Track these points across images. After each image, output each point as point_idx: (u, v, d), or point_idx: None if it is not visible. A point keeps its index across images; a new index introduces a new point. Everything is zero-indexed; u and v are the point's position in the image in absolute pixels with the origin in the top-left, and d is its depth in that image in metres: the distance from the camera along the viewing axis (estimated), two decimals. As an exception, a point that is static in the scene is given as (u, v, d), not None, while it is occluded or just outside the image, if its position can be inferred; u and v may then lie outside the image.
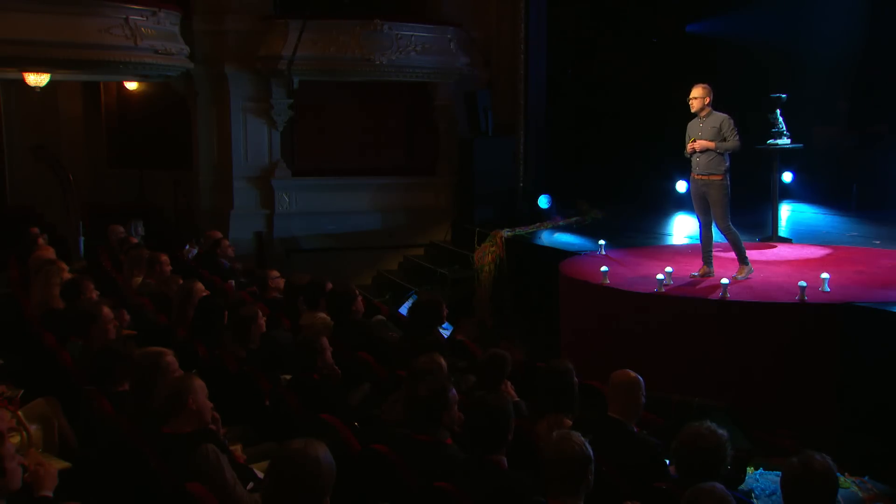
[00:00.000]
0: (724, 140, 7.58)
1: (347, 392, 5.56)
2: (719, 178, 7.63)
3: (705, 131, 7.64)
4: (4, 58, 10.99)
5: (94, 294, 6.82)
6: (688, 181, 12.01)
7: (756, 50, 12.49)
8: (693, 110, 7.70)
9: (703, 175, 7.70)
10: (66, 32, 11.16)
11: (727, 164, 7.66)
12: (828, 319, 6.89)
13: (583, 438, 3.73)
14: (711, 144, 7.58)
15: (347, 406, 5.30)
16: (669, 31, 13.97)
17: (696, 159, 7.74)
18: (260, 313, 6.17)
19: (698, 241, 8.09)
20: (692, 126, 7.78)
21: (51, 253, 8.70)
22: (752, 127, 9.61)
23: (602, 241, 9.50)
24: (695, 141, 7.66)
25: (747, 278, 7.77)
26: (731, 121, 7.63)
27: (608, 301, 7.88)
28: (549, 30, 13.29)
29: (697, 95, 7.66)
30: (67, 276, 7.37)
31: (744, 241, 8.00)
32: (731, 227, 7.78)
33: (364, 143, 13.88)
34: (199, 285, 7.03)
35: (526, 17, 13.07)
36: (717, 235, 8.02)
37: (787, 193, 11.69)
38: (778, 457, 5.47)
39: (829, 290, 7.21)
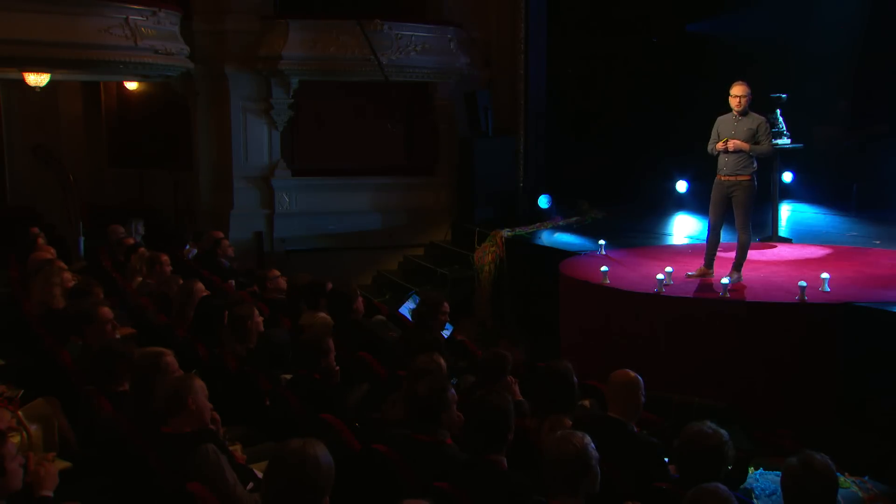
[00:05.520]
0: (758, 143, 7.46)
1: (347, 392, 5.56)
2: (747, 178, 7.50)
3: (740, 131, 7.48)
4: (4, 58, 10.95)
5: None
6: (688, 181, 12.20)
7: (756, 50, 12.48)
8: (735, 108, 7.50)
9: (730, 176, 7.55)
10: (66, 32, 11.11)
11: (755, 165, 7.53)
12: (828, 319, 6.89)
13: (583, 438, 3.73)
14: (746, 146, 7.41)
15: (347, 406, 5.30)
16: (670, 31, 13.96)
17: (724, 159, 7.56)
18: (256, 311, 6.16)
19: (700, 242, 8.03)
20: (724, 123, 7.60)
21: (50, 253, 8.69)
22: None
23: (602, 241, 9.49)
24: (727, 140, 7.47)
25: (737, 283, 7.63)
26: (768, 124, 7.52)
27: (608, 301, 7.87)
28: (549, 30, 13.29)
29: (741, 94, 7.46)
30: (67, 276, 7.36)
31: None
32: (749, 230, 7.69)
33: (364, 143, 13.85)
34: (200, 285, 7.03)
35: (526, 17, 13.06)
36: (723, 237, 7.98)
37: (787, 193, 11.69)
38: (778, 457, 5.47)
39: (829, 290, 7.21)
